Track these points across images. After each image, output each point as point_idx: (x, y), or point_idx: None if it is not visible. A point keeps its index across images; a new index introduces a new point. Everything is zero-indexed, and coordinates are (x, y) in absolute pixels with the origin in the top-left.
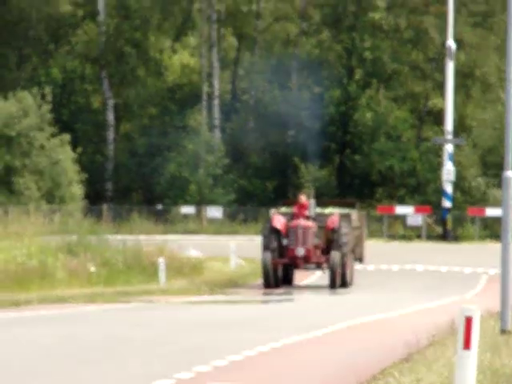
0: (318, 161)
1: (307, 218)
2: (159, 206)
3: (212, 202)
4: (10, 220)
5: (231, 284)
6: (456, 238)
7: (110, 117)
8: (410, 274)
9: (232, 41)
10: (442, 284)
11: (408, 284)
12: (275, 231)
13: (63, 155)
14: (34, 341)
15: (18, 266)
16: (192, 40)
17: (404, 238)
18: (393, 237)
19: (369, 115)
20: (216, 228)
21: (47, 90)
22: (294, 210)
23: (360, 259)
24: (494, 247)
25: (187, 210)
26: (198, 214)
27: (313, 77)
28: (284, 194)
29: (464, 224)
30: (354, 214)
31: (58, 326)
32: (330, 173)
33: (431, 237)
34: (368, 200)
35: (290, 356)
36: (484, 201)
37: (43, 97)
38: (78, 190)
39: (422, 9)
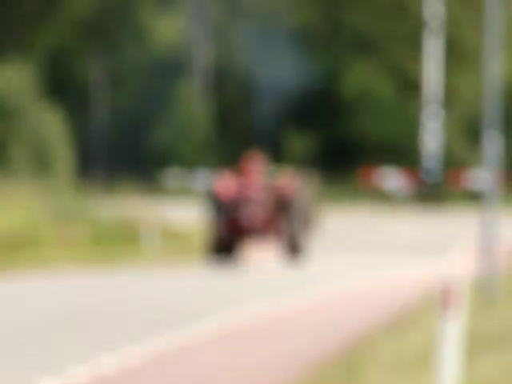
0: (303, 128)
1: (257, 180)
2: (149, 173)
3: (199, 167)
4: None
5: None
6: (438, 200)
7: (97, 84)
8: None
9: (219, 9)
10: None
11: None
12: (220, 196)
13: (50, 120)
14: (17, 312)
15: (7, 233)
16: (178, 8)
17: (386, 201)
18: (374, 201)
19: (352, 81)
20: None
21: (33, 55)
22: (242, 171)
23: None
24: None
25: (176, 176)
26: (186, 178)
27: (299, 47)
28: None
29: (447, 190)
30: (307, 175)
31: (43, 296)
32: (317, 142)
33: (413, 199)
34: (351, 165)
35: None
36: (465, 165)
37: (30, 62)
38: (66, 155)
39: None
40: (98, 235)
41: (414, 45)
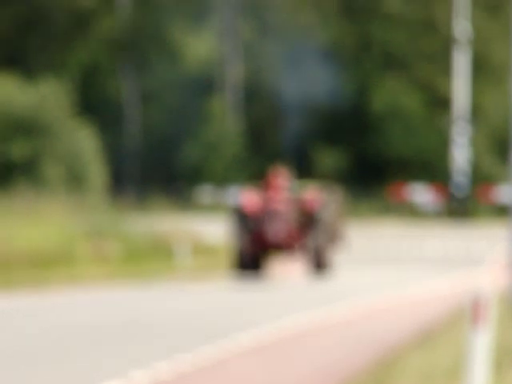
0: (332, 143)
1: (281, 194)
2: (181, 189)
3: (231, 183)
4: (33, 203)
5: None
6: (467, 215)
7: (130, 103)
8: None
9: (249, 27)
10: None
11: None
12: (245, 214)
13: (85, 140)
14: (56, 325)
15: (41, 249)
16: (209, 26)
17: (416, 216)
18: (403, 215)
19: (383, 101)
20: None
21: (68, 75)
22: (267, 185)
23: (340, 239)
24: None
25: (208, 192)
26: (218, 194)
27: (328, 64)
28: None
29: (476, 205)
30: (334, 190)
31: (80, 310)
32: (346, 158)
33: (443, 215)
34: (381, 180)
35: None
36: (494, 180)
37: (64, 82)
38: (99, 173)
39: None
40: (131, 251)
41: (442, 61)
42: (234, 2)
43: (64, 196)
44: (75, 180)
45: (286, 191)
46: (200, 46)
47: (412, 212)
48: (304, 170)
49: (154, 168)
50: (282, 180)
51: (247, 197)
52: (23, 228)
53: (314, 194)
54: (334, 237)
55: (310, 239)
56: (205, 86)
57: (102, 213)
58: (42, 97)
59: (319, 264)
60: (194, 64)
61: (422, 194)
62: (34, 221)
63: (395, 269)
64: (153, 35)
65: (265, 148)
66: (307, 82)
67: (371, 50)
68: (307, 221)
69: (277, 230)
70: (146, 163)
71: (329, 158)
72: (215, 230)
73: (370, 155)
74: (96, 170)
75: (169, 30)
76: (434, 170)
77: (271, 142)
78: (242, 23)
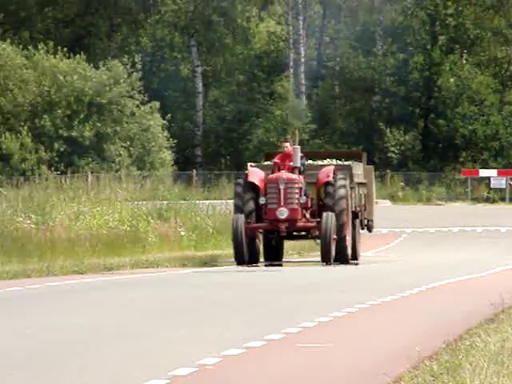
0: (402, 126)
1: (292, 169)
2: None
3: None
4: (102, 186)
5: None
6: None
7: (199, 84)
8: (493, 236)
9: (317, 8)
10: None
11: (492, 245)
12: (251, 188)
13: (153, 122)
14: (126, 304)
15: (110, 231)
16: (278, 8)
17: (488, 200)
18: (477, 199)
19: (452, 80)
20: None
21: (137, 58)
22: (275, 160)
23: (368, 226)
24: None
25: None
26: None
27: (397, 43)
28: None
29: None
30: (358, 166)
31: (150, 289)
32: (414, 137)
33: None
34: (452, 164)
35: (377, 317)
36: None
37: (133, 65)
38: (167, 156)
39: None
40: (200, 232)
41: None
42: None
43: (133, 177)
44: (143, 161)
45: (295, 159)
46: (268, 27)
47: (486, 195)
48: (369, 149)
49: (222, 150)
50: (292, 145)
51: (254, 168)
52: (93, 208)
53: (333, 164)
54: (360, 220)
55: (325, 218)
56: (274, 67)
57: (171, 195)
58: (112, 78)
59: (339, 252)
60: (262, 45)
61: (494, 178)
62: (104, 201)
63: (475, 250)
64: (222, 16)
65: (333, 129)
66: (377, 61)
67: (442, 29)
68: (324, 197)
69: (286, 205)
70: (214, 143)
71: (400, 139)
72: None
73: (441, 136)
74: (165, 151)
75: (238, 13)
76: (506, 152)
77: (339, 123)
78: (309, 4)
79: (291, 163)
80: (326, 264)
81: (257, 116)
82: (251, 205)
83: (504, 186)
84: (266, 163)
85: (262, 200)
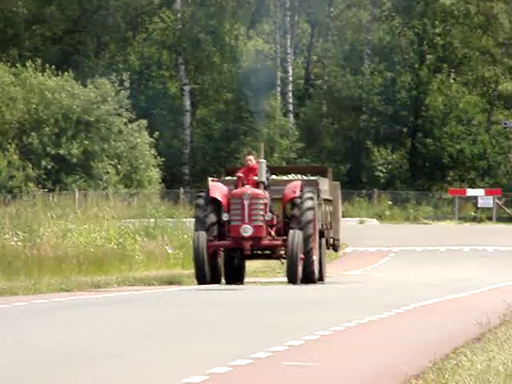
0: (390, 145)
1: (256, 184)
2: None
3: None
4: (89, 204)
5: None
6: None
7: (187, 102)
8: (480, 255)
9: (305, 27)
10: None
11: (479, 264)
12: (213, 203)
13: (141, 140)
14: (113, 321)
15: (98, 249)
16: (266, 27)
17: (475, 219)
18: (464, 219)
19: (440, 99)
20: None
21: (125, 76)
22: (238, 174)
23: (334, 246)
24: None
25: None
26: None
27: (385, 62)
28: (357, 178)
29: None
30: (324, 182)
31: (136, 307)
32: (401, 156)
33: (501, 218)
34: (439, 183)
35: (363, 336)
36: None
37: (121, 83)
38: (155, 174)
39: None
40: (188, 249)
41: (502, 61)
42: (290, 2)
43: (120, 195)
44: (131, 179)
45: (260, 173)
46: (256, 46)
47: (473, 214)
48: (357, 168)
49: (210, 168)
50: (256, 159)
51: (216, 183)
52: (80, 226)
53: (300, 180)
54: (326, 239)
55: (292, 236)
56: (261, 84)
57: (158, 213)
58: (100, 96)
59: (304, 272)
60: (250, 64)
61: (481, 198)
62: (91, 219)
63: (461, 270)
64: (210, 34)
65: (320, 147)
66: (365, 80)
67: (429, 48)
68: (290, 213)
69: (251, 222)
70: (203, 161)
71: (387, 157)
72: None
73: (429, 155)
74: (152, 169)
75: (226, 31)
76: (493, 172)
77: (327, 142)
78: (297, 23)
79: (255, 177)
80: (291, 283)
81: (244, 134)
82: (213, 220)
83: (491, 206)
84: (227, 178)
85: (224, 216)
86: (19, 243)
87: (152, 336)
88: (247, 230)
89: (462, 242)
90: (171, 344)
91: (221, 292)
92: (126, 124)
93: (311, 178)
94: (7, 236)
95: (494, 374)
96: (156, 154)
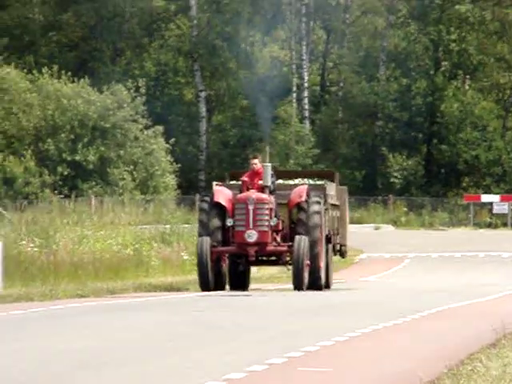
0: (405, 151)
1: (262, 189)
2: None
3: None
4: (105, 210)
5: None
6: None
7: (202, 108)
8: (495, 261)
9: (321, 34)
10: None
11: (494, 270)
12: (217, 208)
13: (156, 146)
14: (128, 327)
15: (114, 255)
16: (282, 33)
17: (490, 225)
18: (479, 225)
19: (455, 106)
20: None
21: (141, 82)
22: (243, 179)
23: (341, 252)
24: None
25: None
26: None
27: (400, 69)
28: (373, 184)
29: None
30: (331, 187)
31: (152, 313)
32: (417, 163)
33: None
34: (455, 189)
35: (378, 342)
36: None
37: (137, 89)
38: (171, 180)
39: (508, 1)
40: None
41: None
42: (306, 8)
43: (136, 201)
44: (147, 185)
45: (265, 177)
46: (272, 52)
47: (488, 220)
48: (372, 174)
49: (227, 172)
50: (261, 163)
51: (220, 186)
52: (96, 232)
53: (306, 184)
54: (333, 245)
55: (298, 242)
56: (277, 92)
57: (174, 219)
58: (116, 102)
59: (311, 278)
60: (266, 70)
61: (497, 204)
62: (107, 225)
63: (477, 276)
64: (225, 41)
65: (336, 154)
66: (380, 86)
67: (445, 54)
68: (296, 219)
69: (256, 227)
70: (218, 167)
71: (402, 164)
72: None
73: (444, 161)
74: (168, 175)
75: (242, 38)
76: (509, 178)
77: (342, 148)
78: (313, 30)
79: (260, 182)
80: (298, 290)
81: (260, 141)
82: (217, 225)
83: (506, 212)
84: (231, 182)
85: (229, 222)
86: (35, 249)
87: (172, 341)
88: (252, 236)
89: (477, 248)
90: (186, 350)
91: (234, 298)
92: (141, 130)
93: (318, 182)
94: (23, 242)
95: (509, 379)
96: (172, 160)
